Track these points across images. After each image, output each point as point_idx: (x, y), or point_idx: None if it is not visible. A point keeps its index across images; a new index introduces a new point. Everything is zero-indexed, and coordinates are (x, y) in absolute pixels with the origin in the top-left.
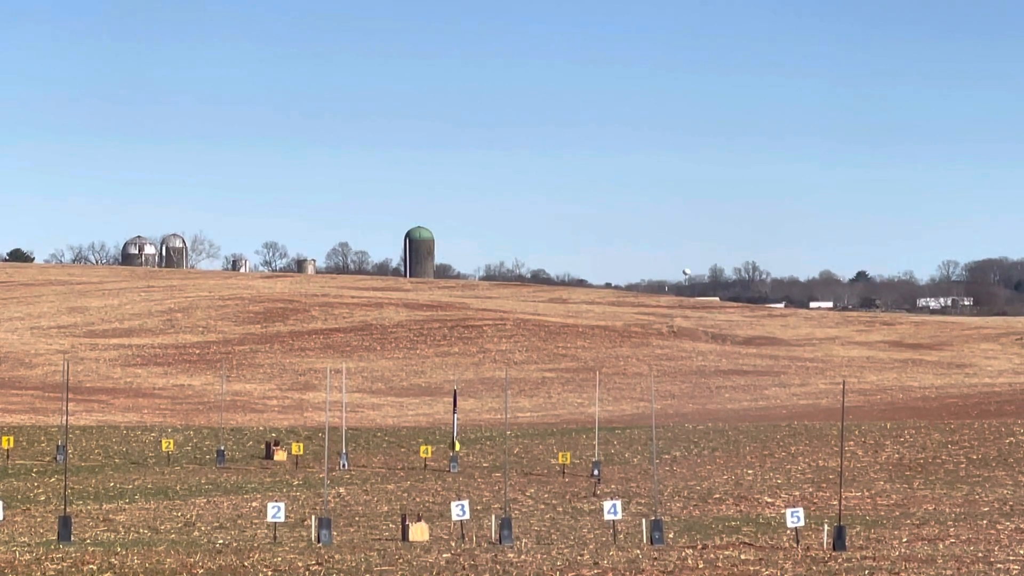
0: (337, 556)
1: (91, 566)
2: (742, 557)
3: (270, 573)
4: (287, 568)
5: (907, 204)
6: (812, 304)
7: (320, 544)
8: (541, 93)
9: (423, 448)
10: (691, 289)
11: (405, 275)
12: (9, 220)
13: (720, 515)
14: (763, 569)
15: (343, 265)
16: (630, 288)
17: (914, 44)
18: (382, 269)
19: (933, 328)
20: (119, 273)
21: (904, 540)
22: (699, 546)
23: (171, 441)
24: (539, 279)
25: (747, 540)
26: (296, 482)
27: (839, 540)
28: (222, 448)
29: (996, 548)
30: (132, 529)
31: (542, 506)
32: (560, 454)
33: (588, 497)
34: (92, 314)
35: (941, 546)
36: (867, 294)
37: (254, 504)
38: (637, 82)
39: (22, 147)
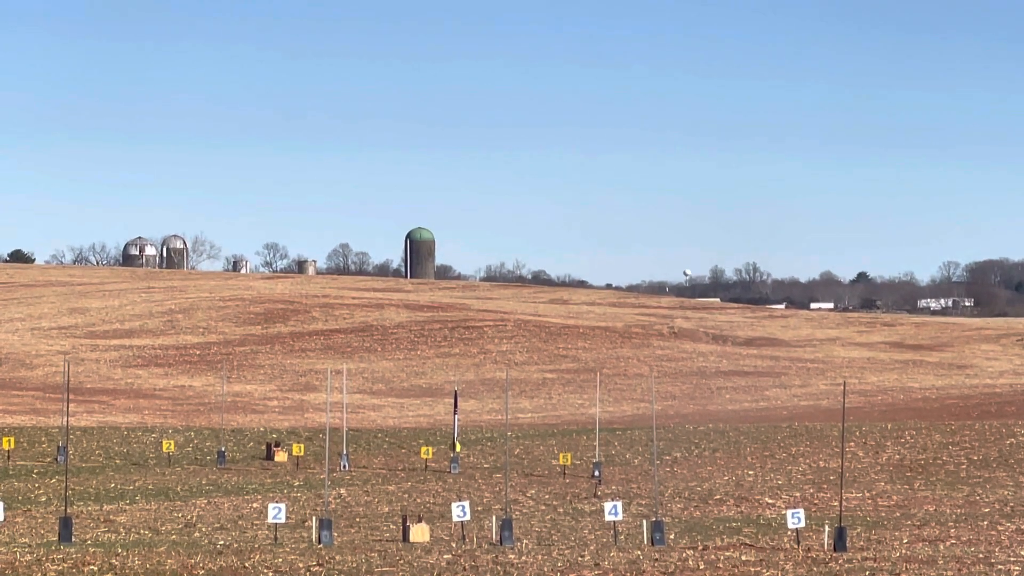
0: (338, 557)
1: (92, 567)
2: (743, 558)
3: (271, 574)
4: (288, 569)
5: (908, 205)
6: (813, 305)
7: (321, 545)
8: (542, 94)
9: (424, 449)
10: (692, 290)
11: (406, 276)
12: (10, 221)
13: (721, 516)
14: (764, 570)
15: (344, 266)
16: (631, 289)
17: (915, 45)
18: (383, 270)
19: (934, 329)
20: (120, 274)
21: (905, 541)
22: (700, 547)
23: (172, 442)
24: (540, 280)
25: (748, 541)
26: (297, 483)
27: (840, 541)
28: (223, 449)
29: (997, 549)
30: (133, 530)
31: (543, 507)
32: (561, 455)
33: (589, 498)
34: (93, 315)
35: (942, 547)
36: (868, 295)
37: (255, 505)
38: (638, 83)
39: (23, 148)
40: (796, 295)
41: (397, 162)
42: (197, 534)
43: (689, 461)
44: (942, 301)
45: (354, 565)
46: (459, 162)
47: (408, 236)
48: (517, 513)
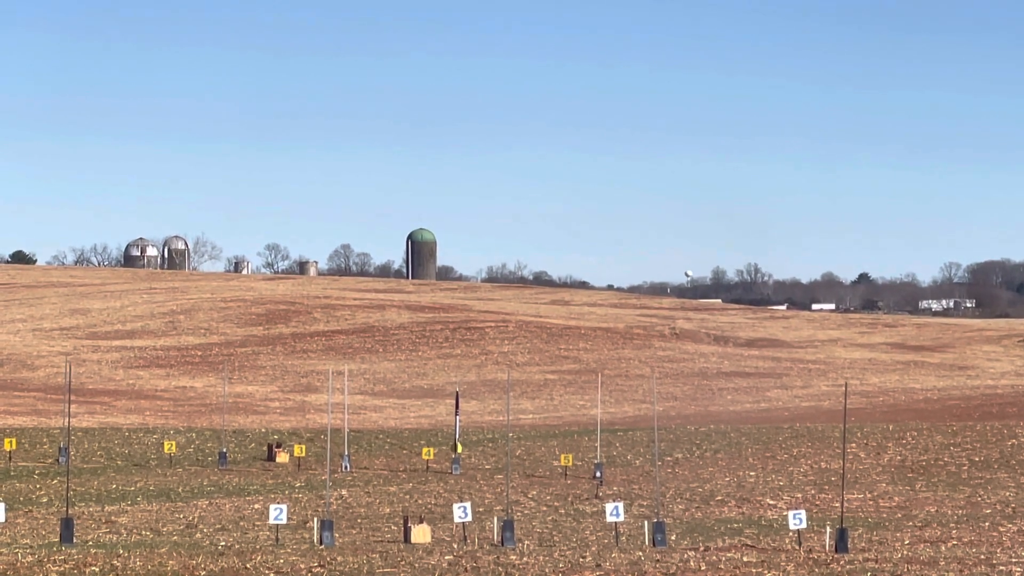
0: (339, 558)
1: (93, 568)
2: (744, 559)
3: (272, 575)
4: (289, 570)
5: (909, 206)
6: (814, 306)
7: (322, 546)
8: (543, 94)
9: (425, 450)
10: (693, 291)
11: (407, 277)
12: (11, 222)
13: (722, 517)
14: (765, 571)
15: (345, 267)
16: (632, 290)
17: (917, 46)
18: (384, 271)
19: (935, 330)
20: (121, 275)
21: (906, 542)
22: (701, 548)
23: (173, 443)
24: (541, 281)
25: (749, 542)
26: (298, 484)
27: (841, 542)
28: (224, 450)
29: (998, 550)
30: (134, 531)
31: (544, 508)
32: (562, 456)
33: (590, 499)
34: (94, 316)
35: (943, 548)
36: (869, 296)
37: (256, 506)
38: (640, 83)
39: (24, 149)
40: (797, 296)
41: (398, 163)
42: (198, 535)
43: (690, 462)
44: (943, 302)
45: (355, 566)
46: (460, 163)
47: (409, 237)
48: (518, 514)
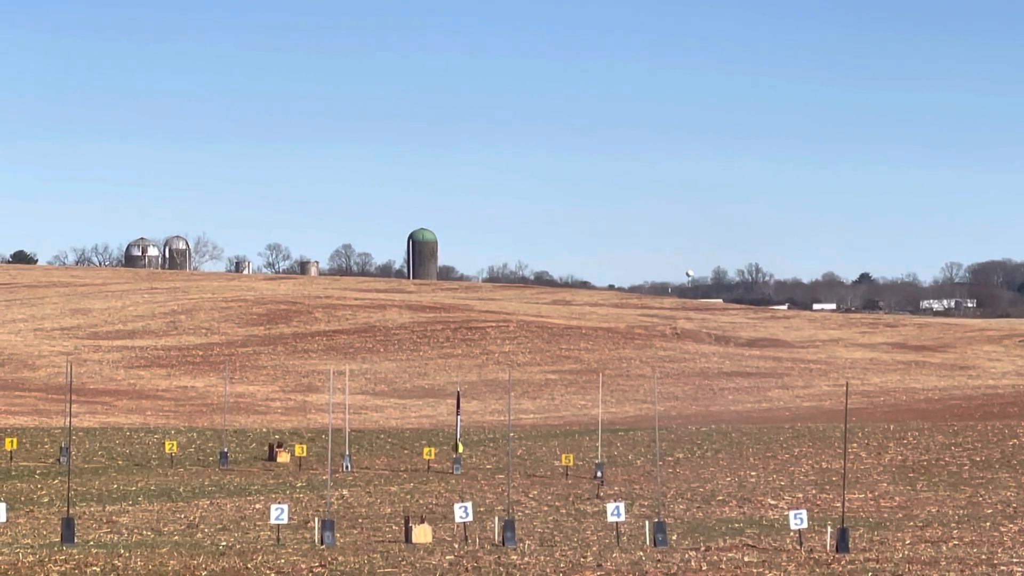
0: (340, 558)
1: (94, 568)
2: (745, 559)
3: (273, 575)
4: (290, 570)
5: (910, 206)
6: (815, 306)
7: (323, 546)
8: (544, 94)
9: (426, 450)
10: (694, 291)
11: (408, 277)
12: (12, 222)
13: (723, 517)
14: (766, 571)
15: (346, 267)
16: (633, 290)
17: (918, 46)
18: (385, 271)
19: (936, 330)
20: (122, 275)
21: (907, 542)
22: (702, 548)
23: (174, 443)
24: (542, 281)
25: (750, 542)
26: (299, 484)
27: (842, 542)
28: (225, 450)
29: (999, 550)
30: (135, 531)
31: (545, 508)
32: (563, 456)
33: (591, 499)
34: (95, 316)
35: (944, 548)
36: (870, 296)
37: (257, 506)
38: (640, 83)
39: (25, 149)
40: (799, 296)
41: (400, 163)
42: (199, 535)
43: (691, 462)
44: (945, 302)
45: (356, 566)
46: (462, 163)
47: (411, 237)
48: (519, 514)
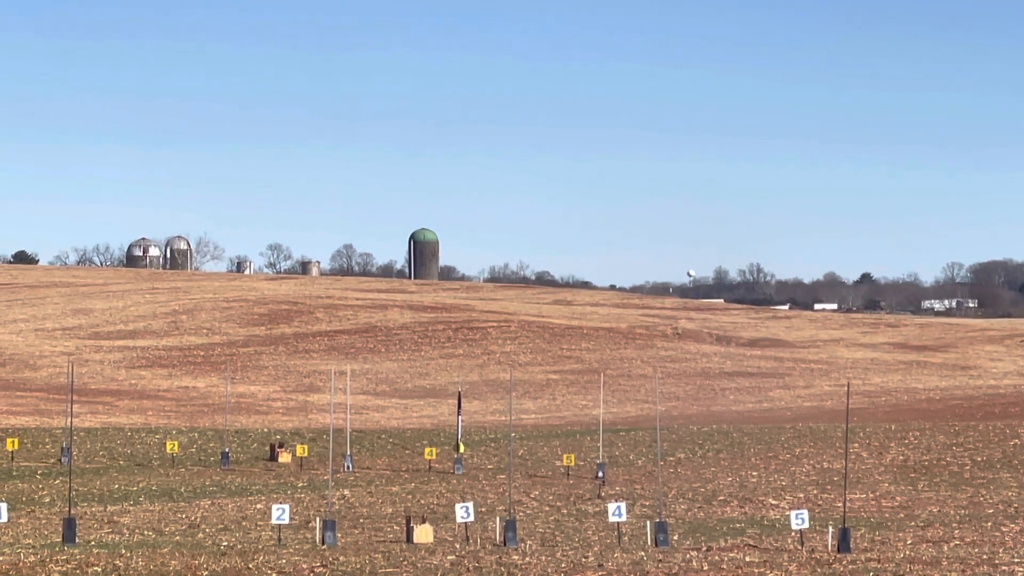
0: (342, 558)
1: (95, 568)
2: (747, 559)
3: (274, 575)
4: (291, 570)
5: (912, 206)
6: (817, 306)
7: (325, 546)
8: (545, 94)
9: (427, 450)
10: (696, 291)
11: (409, 277)
12: (13, 222)
13: (724, 517)
14: (768, 571)
15: (347, 267)
16: (634, 290)
17: (920, 46)
18: (386, 271)
19: (938, 330)
20: (123, 275)
21: (909, 542)
22: (703, 548)
23: (175, 443)
24: (543, 281)
25: (752, 542)
26: (301, 484)
27: (844, 542)
28: (226, 450)
29: (1001, 550)
30: (136, 531)
31: (547, 508)
32: (564, 456)
33: (592, 499)
34: (96, 316)
35: (946, 548)
36: (871, 296)
37: (259, 506)
38: (641, 83)
39: (26, 149)
40: (800, 296)
41: (401, 163)
42: (201, 535)
43: (693, 462)
44: (946, 302)
45: (358, 566)
46: (463, 163)
47: (412, 237)
48: (521, 514)
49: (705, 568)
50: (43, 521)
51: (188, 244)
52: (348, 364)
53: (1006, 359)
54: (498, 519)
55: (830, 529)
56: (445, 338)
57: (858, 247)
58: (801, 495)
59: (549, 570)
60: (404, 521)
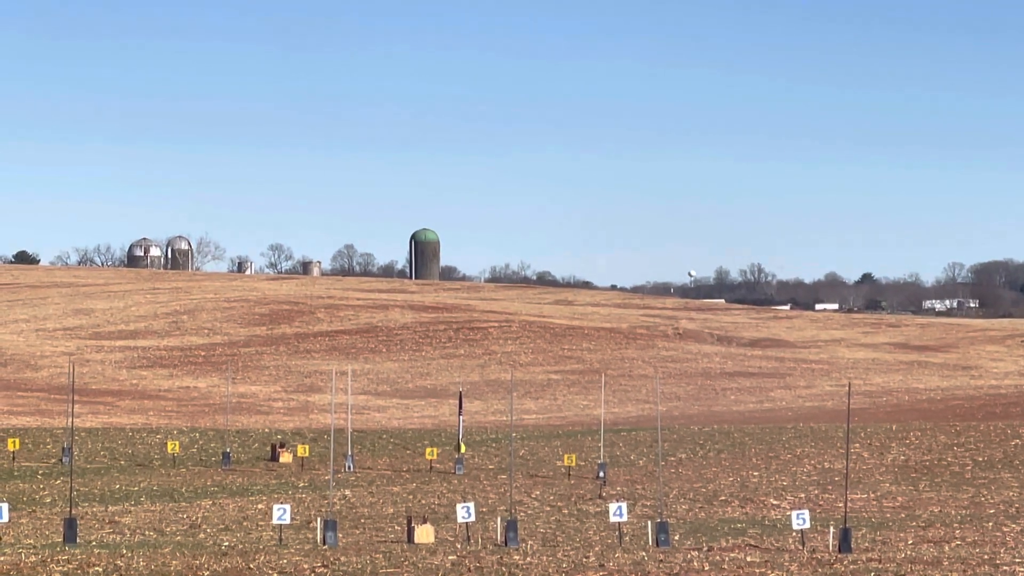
0: (343, 558)
1: (96, 568)
2: (748, 559)
3: (275, 575)
4: (293, 570)
5: (913, 206)
6: (818, 306)
7: (326, 546)
8: (546, 94)
9: (428, 450)
10: (696, 291)
11: (410, 277)
12: (14, 222)
13: (726, 517)
14: (769, 571)
15: (348, 267)
16: (636, 290)
17: (920, 46)
18: (387, 271)
19: (939, 330)
20: (124, 275)
21: (910, 542)
22: (705, 548)
23: (176, 443)
24: (544, 281)
25: (753, 542)
26: (302, 484)
27: (845, 542)
28: (227, 450)
29: (1002, 550)
30: (137, 531)
31: (548, 508)
32: (566, 456)
33: (594, 499)
34: (98, 316)
35: (947, 548)
36: (873, 296)
37: (260, 506)
38: (641, 83)
39: (27, 149)
40: (801, 296)
41: (402, 163)
42: (202, 535)
43: (694, 462)
44: (947, 302)
45: (359, 566)
46: (464, 163)
47: (413, 237)
48: (522, 514)
49: (706, 568)
50: (44, 521)
51: (189, 244)
52: (349, 364)
53: (1007, 359)
54: (499, 519)
55: (831, 529)
56: (446, 338)
57: (859, 247)
58: (802, 495)
59: (550, 570)
60: (405, 521)
